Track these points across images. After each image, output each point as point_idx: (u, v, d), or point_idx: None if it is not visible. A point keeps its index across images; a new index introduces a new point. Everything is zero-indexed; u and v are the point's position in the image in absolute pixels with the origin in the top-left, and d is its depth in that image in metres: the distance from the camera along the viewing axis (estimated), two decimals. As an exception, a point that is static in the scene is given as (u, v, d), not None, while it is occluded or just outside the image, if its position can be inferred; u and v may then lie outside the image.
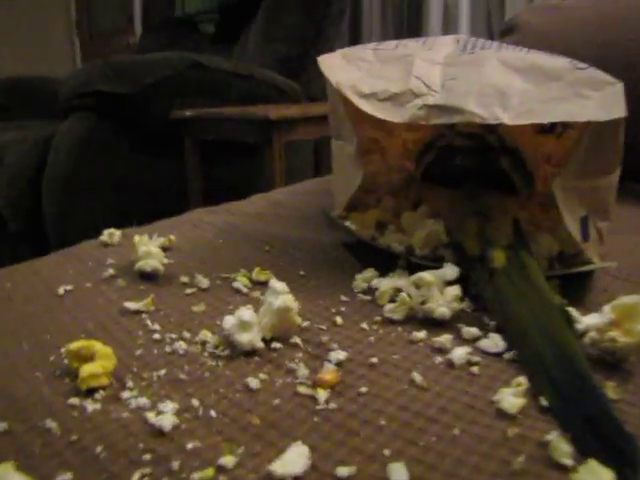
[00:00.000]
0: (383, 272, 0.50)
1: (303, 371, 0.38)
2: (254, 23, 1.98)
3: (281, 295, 0.41)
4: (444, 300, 0.44)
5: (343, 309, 0.46)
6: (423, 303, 0.44)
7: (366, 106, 0.49)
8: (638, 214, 0.67)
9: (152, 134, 1.59)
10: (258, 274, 0.52)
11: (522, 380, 0.35)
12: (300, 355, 0.40)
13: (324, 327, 0.43)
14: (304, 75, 1.84)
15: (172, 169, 1.62)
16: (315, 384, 0.37)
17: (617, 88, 0.46)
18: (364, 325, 0.44)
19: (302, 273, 0.53)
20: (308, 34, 1.84)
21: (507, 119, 0.46)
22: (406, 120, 0.48)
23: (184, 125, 1.56)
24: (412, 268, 0.50)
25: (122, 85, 1.52)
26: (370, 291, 0.49)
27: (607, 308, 0.39)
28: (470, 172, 0.53)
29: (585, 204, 0.49)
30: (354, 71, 0.52)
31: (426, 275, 0.45)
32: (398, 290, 0.47)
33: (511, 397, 0.34)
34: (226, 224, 0.64)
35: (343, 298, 0.48)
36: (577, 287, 0.50)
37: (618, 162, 0.52)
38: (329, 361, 0.39)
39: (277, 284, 0.42)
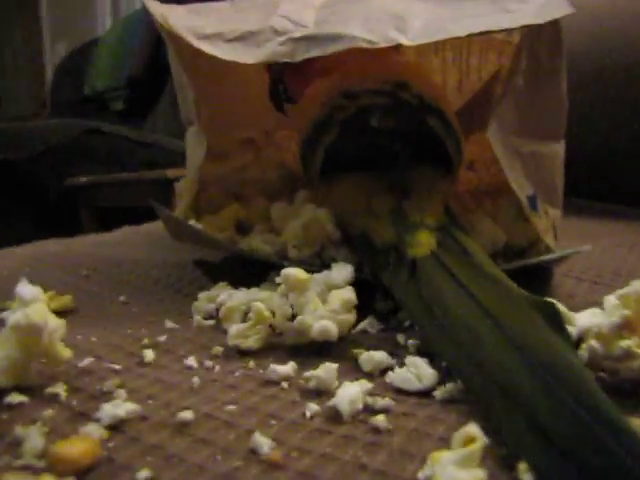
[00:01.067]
0: (241, 287, 0.31)
1: (35, 441, 0.18)
2: (164, 96, 1.84)
3: (30, 306, 0.21)
4: (327, 310, 0.25)
5: (162, 339, 0.26)
6: (292, 318, 0.25)
7: (207, 46, 0.32)
8: (583, 225, 0.51)
9: (47, 207, 1.38)
10: (50, 300, 0.31)
11: (475, 432, 0.16)
12: (50, 413, 0.20)
13: (118, 367, 0.23)
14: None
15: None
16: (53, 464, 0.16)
17: None
18: (190, 361, 0.24)
19: (122, 299, 0.33)
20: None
21: (405, 39, 0.29)
22: (261, 59, 0.31)
23: (81, 194, 1.36)
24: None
25: (11, 152, 1.32)
26: (217, 313, 0.29)
27: (612, 300, 0.21)
28: (390, 141, 0.34)
29: (530, 177, 0.32)
30: (200, 20, 0.35)
31: (296, 272, 0.26)
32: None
33: (455, 470, 0.15)
34: (43, 253, 0.44)
35: (168, 325, 0.28)
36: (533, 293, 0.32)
37: (562, 127, 0.36)
38: (96, 420, 0.19)
39: (25, 289, 0.22)
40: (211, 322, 0.28)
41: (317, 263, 0.32)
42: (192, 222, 0.35)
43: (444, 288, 0.25)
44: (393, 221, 0.30)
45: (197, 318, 0.28)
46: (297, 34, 0.31)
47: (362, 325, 0.27)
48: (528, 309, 0.21)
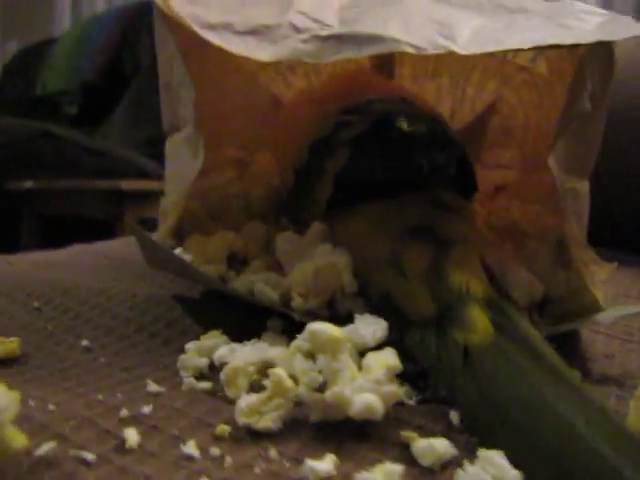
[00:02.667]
0: (240, 339, 0.24)
1: None
2: (120, 105, 1.75)
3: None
4: (368, 379, 0.19)
5: (146, 410, 0.20)
6: (321, 389, 0.19)
7: (214, 37, 0.26)
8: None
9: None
10: (-8, 344, 0.24)
11: None
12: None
13: (90, 456, 0.17)
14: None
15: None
16: None
17: (615, 16, 0.27)
18: (189, 447, 0.17)
19: (85, 344, 0.26)
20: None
21: (457, 47, 0.24)
22: (279, 57, 0.26)
23: (24, 200, 1.25)
24: (292, 331, 0.25)
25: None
26: (214, 373, 0.23)
27: None
28: (413, 153, 0.28)
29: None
30: (199, 8, 0.29)
31: (329, 328, 0.20)
32: (266, 367, 0.21)
33: None
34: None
35: (151, 387, 0.21)
36: (564, 350, 0.28)
37: (593, 163, 0.32)
38: None
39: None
40: (207, 385, 0.22)
41: (325, 315, 0.26)
42: (178, 251, 0.28)
43: (514, 392, 0.20)
44: (431, 289, 0.24)
45: (189, 380, 0.22)
46: (323, 32, 0.26)
47: (402, 391, 0.21)
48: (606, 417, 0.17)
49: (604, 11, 0.28)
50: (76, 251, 0.47)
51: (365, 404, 0.19)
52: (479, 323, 0.22)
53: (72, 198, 1.18)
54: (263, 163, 0.43)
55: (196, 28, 0.27)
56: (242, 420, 0.19)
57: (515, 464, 0.17)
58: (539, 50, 0.33)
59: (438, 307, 0.23)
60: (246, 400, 0.19)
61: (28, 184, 1.21)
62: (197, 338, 0.26)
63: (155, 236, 0.29)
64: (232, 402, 0.20)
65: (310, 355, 0.20)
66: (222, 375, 0.21)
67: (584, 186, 0.32)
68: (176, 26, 0.28)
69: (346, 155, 0.29)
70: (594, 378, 0.26)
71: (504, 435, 0.19)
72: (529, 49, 0.25)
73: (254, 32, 0.26)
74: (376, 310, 0.24)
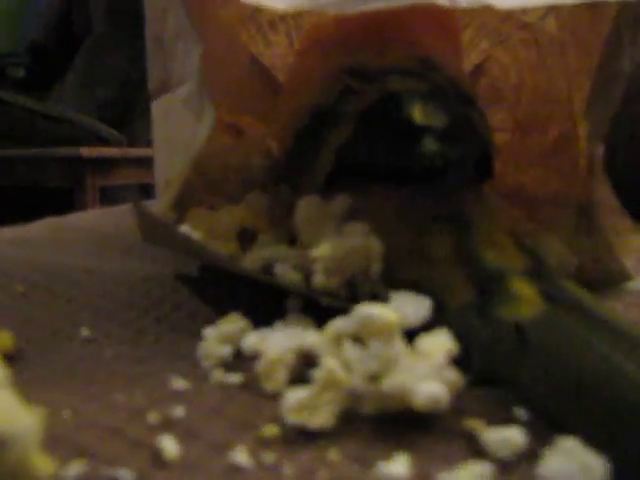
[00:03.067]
0: (259, 321, 0.22)
1: None
2: (72, 67, 1.65)
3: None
4: (428, 365, 0.17)
5: (178, 412, 0.17)
6: (376, 379, 0.17)
7: None
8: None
9: None
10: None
11: None
12: None
13: (127, 474, 0.14)
14: (128, 123, 1.53)
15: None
16: None
17: None
18: (238, 454, 0.15)
19: (86, 334, 0.23)
20: (132, 78, 1.55)
21: (495, 1, 0.22)
22: (297, 6, 0.23)
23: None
24: (312, 311, 0.23)
25: None
26: (239, 362, 0.20)
27: None
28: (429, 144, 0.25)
29: None
30: None
31: (383, 312, 0.18)
32: (304, 355, 0.19)
33: None
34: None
35: (176, 384, 0.19)
36: None
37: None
38: None
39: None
40: (237, 378, 0.19)
41: (342, 295, 0.24)
42: (183, 227, 0.25)
43: (584, 364, 0.17)
44: (465, 272, 0.22)
45: (216, 375, 0.19)
46: (341, -23, 0.23)
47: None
48: None
49: None
50: (49, 226, 0.43)
51: (430, 394, 0.17)
52: (525, 295, 0.20)
53: (30, 166, 1.11)
54: (256, 128, 0.40)
55: None
56: (292, 419, 0.16)
57: (598, 444, 0.16)
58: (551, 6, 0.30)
59: (476, 289, 0.21)
60: (294, 395, 0.17)
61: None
62: (209, 321, 0.24)
63: (155, 210, 0.26)
64: (272, 397, 0.18)
65: (358, 337, 0.18)
66: (258, 367, 0.19)
67: (602, 150, 0.30)
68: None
69: (350, 129, 0.26)
70: None
71: (581, 413, 0.17)
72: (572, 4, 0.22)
73: None
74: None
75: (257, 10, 0.45)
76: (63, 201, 1.23)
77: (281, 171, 0.34)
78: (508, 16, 0.36)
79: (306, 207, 0.25)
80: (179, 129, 0.26)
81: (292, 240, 0.27)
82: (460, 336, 0.20)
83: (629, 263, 0.26)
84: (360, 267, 0.23)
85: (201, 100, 0.24)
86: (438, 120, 0.25)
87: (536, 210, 0.32)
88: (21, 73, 1.77)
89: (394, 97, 0.26)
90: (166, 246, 0.28)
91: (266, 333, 0.20)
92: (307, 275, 0.24)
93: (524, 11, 0.35)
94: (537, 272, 0.22)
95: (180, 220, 0.27)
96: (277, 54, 0.51)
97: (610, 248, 0.26)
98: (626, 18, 0.25)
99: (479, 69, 0.48)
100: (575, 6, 0.29)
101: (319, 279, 0.24)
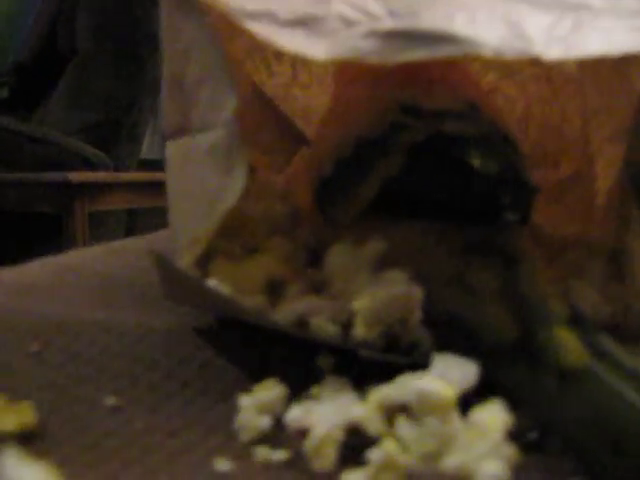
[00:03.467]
0: (293, 385, 0.21)
1: None
2: (56, 88, 1.63)
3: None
4: (487, 442, 0.16)
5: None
6: (433, 458, 0.16)
7: (261, 29, 0.22)
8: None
9: None
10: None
11: None
12: None
13: None
14: (114, 146, 1.51)
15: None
16: None
17: None
18: None
19: (112, 403, 0.22)
20: (120, 102, 1.53)
21: (540, 52, 0.21)
22: (340, 55, 0.22)
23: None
24: (347, 370, 0.22)
25: None
26: (281, 436, 0.19)
27: None
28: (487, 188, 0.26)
29: None
30: None
31: (441, 388, 0.17)
32: (354, 431, 0.18)
33: None
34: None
35: (219, 466, 0.18)
36: None
37: None
38: None
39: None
40: (282, 455, 0.18)
41: (380, 346, 0.23)
42: (212, 283, 0.24)
43: (623, 418, 0.17)
44: (508, 306, 0.22)
45: (261, 452, 0.18)
46: (381, 27, 0.22)
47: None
48: None
49: None
50: (50, 269, 0.42)
51: (493, 475, 0.16)
52: (570, 344, 0.20)
53: (17, 191, 1.09)
54: (265, 168, 0.39)
55: (237, 17, 0.23)
56: (352, 510, 0.15)
57: None
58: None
59: (520, 330, 0.21)
60: (350, 478, 0.16)
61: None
62: (239, 383, 0.23)
63: (179, 265, 0.25)
64: (322, 477, 0.17)
65: (414, 413, 0.17)
66: (306, 443, 0.18)
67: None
68: (202, 13, 0.24)
69: (399, 160, 0.26)
70: None
71: (618, 469, 0.17)
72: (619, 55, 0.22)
73: (301, 23, 0.23)
74: (442, 336, 0.22)
75: (264, 43, 0.44)
76: (51, 227, 1.21)
77: (315, 198, 0.33)
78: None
79: (338, 254, 0.24)
80: (202, 180, 0.25)
81: (319, 288, 0.26)
82: (505, 381, 0.20)
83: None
84: (400, 316, 0.23)
85: (231, 151, 0.23)
86: (492, 165, 0.25)
87: (559, 254, 0.31)
88: (5, 93, 1.75)
89: (445, 136, 0.26)
90: (192, 304, 0.27)
91: (309, 405, 0.19)
92: (344, 327, 0.24)
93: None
94: (577, 321, 0.21)
95: (203, 275, 0.26)
96: (279, 84, 0.51)
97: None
98: None
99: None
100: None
101: (360, 331, 0.23)
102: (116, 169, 1.46)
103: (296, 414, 0.19)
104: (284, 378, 0.22)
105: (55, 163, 1.29)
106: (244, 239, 0.31)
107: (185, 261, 0.25)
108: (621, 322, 0.27)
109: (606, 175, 0.33)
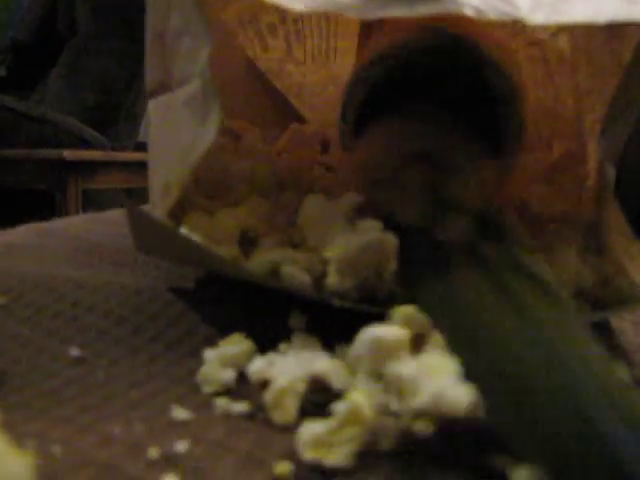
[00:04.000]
0: (262, 341, 0.21)
1: None
2: (56, 67, 1.62)
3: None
4: (443, 382, 0.16)
5: (180, 447, 0.16)
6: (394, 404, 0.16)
7: None
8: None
9: None
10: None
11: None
12: None
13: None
14: (112, 127, 1.50)
15: None
16: None
17: None
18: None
19: (75, 353, 0.21)
20: (118, 83, 1.52)
21: (524, 15, 0.21)
22: (320, 8, 0.21)
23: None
24: (320, 328, 0.21)
25: None
26: (244, 389, 0.19)
27: None
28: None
29: None
30: None
31: (392, 333, 0.16)
32: (314, 384, 0.18)
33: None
34: None
35: (177, 413, 0.17)
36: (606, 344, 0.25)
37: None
38: None
39: None
40: (243, 406, 0.18)
41: (355, 298, 0.23)
42: (184, 232, 0.24)
43: (482, 290, 0.20)
44: (422, 198, 0.24)
45: (221, 403, 0.18)
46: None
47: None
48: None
49: None
50: (33, 232, 0.41)
51: (465, 397, 0.15)
52: (460, 225, 0.23)
53: (12, 168, 1.08)
54: (252, 133, 0.38)
55: None
56: (309, 455, 0.15)
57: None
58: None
59: (425, 214, 0.24)
60: (310, 430, 0.15)
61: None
62: (207, 339, 0.22)
63: (152, 215, 0.24)
64: (282, 430, 0.17)
65: (374, 371, 0.17)
66: (267, 396, 0.17)
67: (614, 172, 0.29)
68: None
69: (383, 69, 0.27)
70: None
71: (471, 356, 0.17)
72: (607, 23, 0.21)
73: None
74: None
75: (257, 14, 0.44)
76: (45, 204, 1.20)
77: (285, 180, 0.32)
78: (520, 31, 0.35)
79: (311, 207, 0.24)
80: (179, 132, 0.25)
81: (295, 245, 0.26)
82: (409, 259, 0.22)
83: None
84: (374, 266, 0.22)
85: (206, 101, 0.23)
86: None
87: (541, 228, 0.31)
88: (2, 71, 1.74)
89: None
90: (163, 255, 0.26)
91: (273, 358, 0.19)
92: (317, 278, 0.23)
93: (536, 27, 0.35)
94: (490, 218, 0.25)
95: (177, 225, 0.25)
96: (274, 59, 0.50)
97: (620, 268, 0.25)
98: None
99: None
100: (590, 27, 0.28)
101: (332, 280, 0.22)
102: (114, 149, 1.45)
103: (258, 366, 0.18)
104: (254, 335, 0.21)
105: (52, 142, 1.28)
106: (224, 197, 0.30)
107: (158, 211, 0.24)
108: (599, 294, 0.27)
109: (597, 156, 0.32)
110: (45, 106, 1.54)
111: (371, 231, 0.22)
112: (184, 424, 0.17)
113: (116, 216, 0.48)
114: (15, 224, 0.52)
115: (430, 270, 0.21)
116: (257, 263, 0.23)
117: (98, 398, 0.18)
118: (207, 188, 0.30)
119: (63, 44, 1.61)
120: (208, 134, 0.22)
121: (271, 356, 0.19)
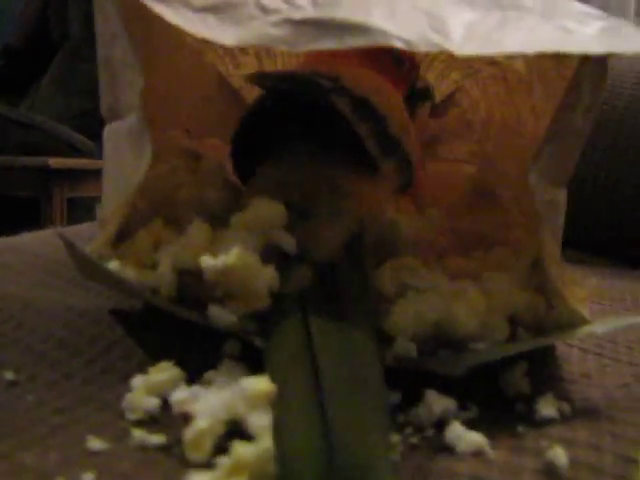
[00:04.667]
0: (193, 368, 0.21)
1: None
2: (48, 73, 1.63)
3: None
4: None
5: (87, 479, 0.16)
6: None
7: (170, 14, 0.22)
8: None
9: None
10: None
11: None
12: None
13: None
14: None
15: None
16: None
17: (615, 21, 0.24)
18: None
19: (10, 377, 0.22)
20: (110, 88, 1.52)
21: (453, 47, 0.21)
22: (248, 42, 0.22)
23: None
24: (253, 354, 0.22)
25: None
26: (166, 419, 0.19)
27: None
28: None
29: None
30: None
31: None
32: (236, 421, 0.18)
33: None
34: None
35: (92, 444, 0.18)
36: (542, 370, 0.26)
37: (572, 171, 0.30)
38: None
39: None
40: (160, 439, 0.18)
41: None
42: (113, 263, 0.24)
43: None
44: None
45: (137, 434, 0.18)
46: (297, 16, 0.22)
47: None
48: None
49: (600, 12, 0.25)
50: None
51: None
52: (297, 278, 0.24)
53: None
54: (214, 155, 0.39)
55: (147, 1, 0.22)
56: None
57: None
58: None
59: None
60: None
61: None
62: (140, 365, 0.23)
63: (90, 247, 0.25)
64: (194, 466, 0.17)
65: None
66: (186, 433, 0.17)
67: (562, 195, 0.30)
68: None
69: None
70: (578, 403, 0.24)
71: None
72: (536, 53, 0.22)
73: (215, 9, 0.23)
74: None
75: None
76: (30, 211, 1.20)
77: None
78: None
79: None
80: (122, 164, 0.25)
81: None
82: None
83: (583, 310, 0.26)
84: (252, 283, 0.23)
85: (142, 136, 0.23)
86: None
87: (493, 254, 0.31)
88: (-6, 77, 1.74)
89: None
90: (100, 281, 0.26)
91: (197, 390, 0.19)
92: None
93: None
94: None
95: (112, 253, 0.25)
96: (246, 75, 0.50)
97: (559, 295, 0.26)
98: (586, 69, 0.25)
99: (450, 99, 0.48)
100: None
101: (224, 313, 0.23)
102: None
103: (180, 397, 0.19)
104: (187, 361, 0.21)
105: (41, 149, 1.28)
106: (179, 224, 0.30)
107: (96, 241, 0.25)
108: (544, 318, 0.28)
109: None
110: (35, 112, 1.55)
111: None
112: (97, 454, 0.17)
113: (84, 230, 0.48)
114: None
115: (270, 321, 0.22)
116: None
117: (22, 425, 0.19)
118: (159, 209, 0.30)
119: (55, 49, 1.62)
120: (141, 166, 0.23)
121: (195, 388, 0.19)
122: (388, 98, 0.33)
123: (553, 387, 0.25)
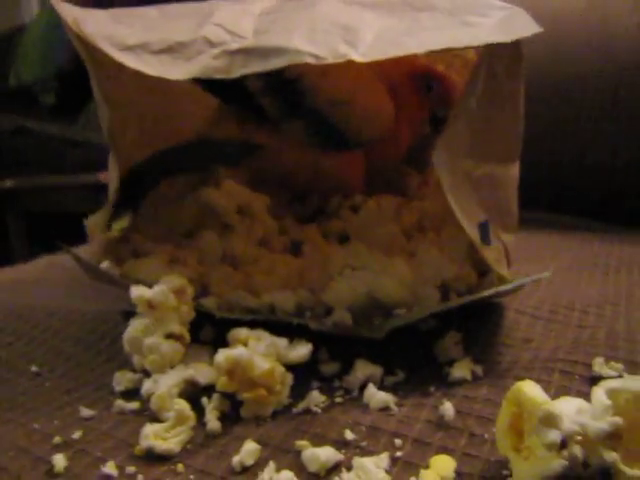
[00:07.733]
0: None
1: None
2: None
3: None
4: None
5: (76, 435, 0.23)
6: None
7: (130, 60, 0.28)
8: (542, 241, 0.49)
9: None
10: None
11: None
12: None
13: (20, 482, 0.20)
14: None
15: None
16: None
17: (515, 11, 0.28)
18: (108, 468, 0.20)
19: (34, 369, 0.29)
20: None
21: (356, 54, 0.26)
22: (191, 74, 0.27)
23: (7, 198, 1.28)
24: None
25: None
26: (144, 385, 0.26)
27: (601, 396, 0.19)
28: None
29: (483, 202, 0.30)
30: (122, 28, 0.31)
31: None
32: (192, 382, 0.24)
33: None
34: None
35: (84, 412, 0.24)
36: (482, 337, 0.30)
37: (518, 148, 0.34)
38: None
39: None
40: (135, 405, 0.25)
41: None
42: (105, 264, 0.32)
43: None
44: None
45: (118, 403, 0.25)
46: (233, 46, 0.27)
47: (304, 403, 0.24)
48: None
49: (508, 5, 0.29)
50: (43, 265, 0.49)
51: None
52: None
53: (55, 194, 1.20)
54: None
55: (111, 51, 0.28)
56: (145, 443, 0.21)
57: None
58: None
59: None
60: (150, 428, 0.22)
61: (8, 183, 1.24)
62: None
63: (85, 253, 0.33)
64: (159, 421, 0.23)
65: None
66: (152, 403, 0.24)
67: (507, 169, 0.33)
68: (92, 46, 0.29)
69: None
70: (492, 365, 0.27)
71: None
72: (428, 51, 0.26)
73: (170, 50, 0.28)
74: None
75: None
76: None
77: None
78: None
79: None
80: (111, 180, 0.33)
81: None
82: None
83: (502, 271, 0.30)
84: None
85: (113, 160, 0.31)
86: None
87: (444, 230, 0.35)
88: (51, 99, 1.87)
89: None
90: (104, 282, 0.33)
91: (158, 378, 0.25)
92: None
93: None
94: None
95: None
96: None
97: (488, 262, 0.30)
98: (490, 56, 0.29)
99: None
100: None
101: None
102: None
103: (147, 387, 0.25)
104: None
105: (95, 164, 1.40)
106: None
107: (91, 248, 0.33)
108: (477, 286, 0.32)
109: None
110: (90, 129, 1.67)
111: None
112: (86, 420, 0.24)
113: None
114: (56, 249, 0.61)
115: None
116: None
117: (39, 403, 0.26)
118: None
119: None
120: (112, 186, 0.30)
121: (156, 377, 0.25)
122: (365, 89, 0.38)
123: (483, 352, 0.29)
